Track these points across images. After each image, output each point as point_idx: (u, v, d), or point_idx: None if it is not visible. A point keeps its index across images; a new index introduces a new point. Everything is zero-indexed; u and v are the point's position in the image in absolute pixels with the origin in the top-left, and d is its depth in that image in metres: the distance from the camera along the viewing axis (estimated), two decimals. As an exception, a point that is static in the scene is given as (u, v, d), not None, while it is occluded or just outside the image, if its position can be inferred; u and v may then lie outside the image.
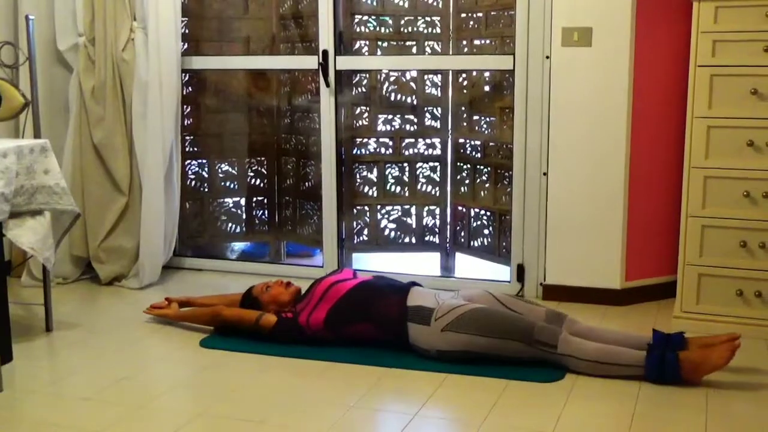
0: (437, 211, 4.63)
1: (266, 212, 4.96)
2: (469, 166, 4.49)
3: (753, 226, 3.44)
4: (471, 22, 4.36)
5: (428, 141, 4.60)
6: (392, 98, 4.57)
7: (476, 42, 4.37)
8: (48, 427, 2.66)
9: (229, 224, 4.93)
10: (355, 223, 4.61)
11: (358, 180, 4.60)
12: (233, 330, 3.46)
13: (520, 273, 4.06)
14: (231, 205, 4.94)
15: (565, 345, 3.04)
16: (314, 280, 3.53)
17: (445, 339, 3.13)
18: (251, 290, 3.61)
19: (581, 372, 3.03)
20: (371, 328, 3.28)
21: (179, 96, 4.34)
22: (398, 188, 4.63)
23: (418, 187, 4.62)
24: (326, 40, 4.22)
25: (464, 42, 4.43)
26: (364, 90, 4.56)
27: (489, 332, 3.09)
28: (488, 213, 4.41)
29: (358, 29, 4.49)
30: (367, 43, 4.52)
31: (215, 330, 3.53)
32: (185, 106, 4.68)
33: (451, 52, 4.48)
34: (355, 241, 4.62)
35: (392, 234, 4.65)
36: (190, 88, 4.75)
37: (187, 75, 4.66)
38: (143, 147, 4.22)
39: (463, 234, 4.57)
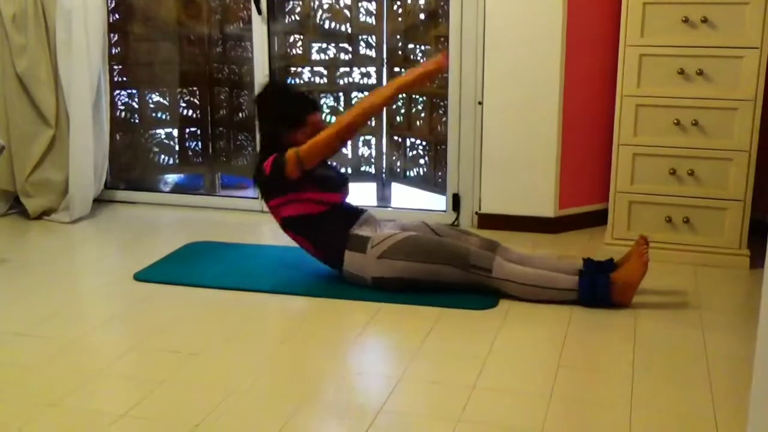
0: (373, 141, 4.60)
1: (200, 143, 4.88)
2: (404, 95, 4.46)
3: (682, 154, 3.51)
4: (406, -52, 4.29)
5: (363, 70, 4.55)
6: (326, 27, 4.49)
7: (411, -32, 4.31)
8: (-22, 364, 2.62)
9: (162, 156, 4.84)
10: (290, 153, 4.56)
11: (293, 110, 4.53)
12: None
13: (456, 202, 4.09)
14: (163, 136, 4.85)
15: (500, 269, 3.08)
16: (339, 173, 3.48)
17: (381, 266, 3.15)
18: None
19: (516, 296, 3.09)
20: (313, 250, 3.30)
21: (105, 23, 4.21)
22: (333, 118, 4.58)
23: (354, 117, 4.58)
24: (258, -35, 4.11)
25: (399, -32, 4.36)
26: (297, 18, 4.47)
27: (424, 258, 3.12)
28: (424, 143, 4.41)
29: (290, -46, 4.38)
30: (300, -31, 4.42)
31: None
32: (112, 34, 4.54)
33: (385, -21, 4.41)
34: (291, 172, 4.57)
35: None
36: (116, 15, 4.60)
37: (114, 1, 4.51)
38: (69, 77, 4.08)
39: (398, 164, 4.57)
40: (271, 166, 3.22)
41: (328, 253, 3.28)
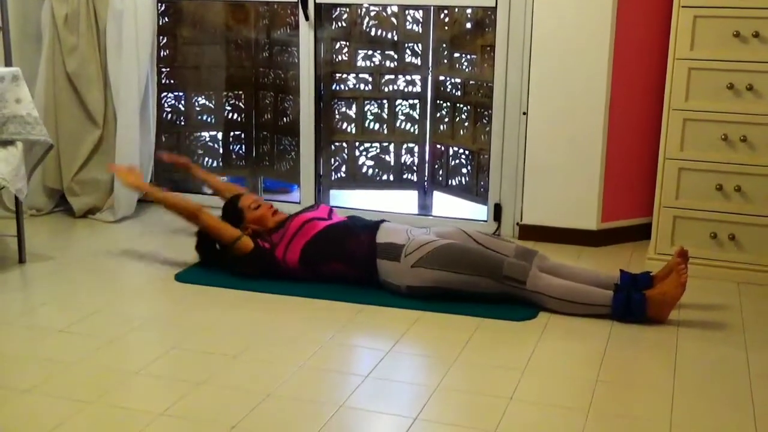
0: (415, 148, 4.60)
1: (243, 147, 4.92)
2: (448, 104, 4.46)
3: (729, 170, 3.45)
4: (454, -43, 4.28)
5: (408, 78, 4.55)
6: (372, 33, 4.51)
7: (459, -23, 4.30)
8: (21, 359, 2.66)
9: (206, 158, 4.88)
10: (332, 159, 4.58)
11: (337, 116, 4.56)
12: (209, 261, 3.47)
13: (497, 212, 4.06)
14: (208, 139, 4.89)
15: (534, 281, 3.06)
16: (290, 214, 3.51)
17: (415, 275, 3.14)
18: (239, 199, 3.54)
19: (549, 309, 3.06)
20: (343, 266, 3.28)
21: (155, 26, 4.26)
22: (377, 125, 4.59)
23: (397, 124, 4.59)
24: (306, -29, 4.14)
25: (446, -23, 4.35)
26: (344, 24, 4.48)
27: (458, 268, 3.10)
28: (467, 151, 4.39)
29: (338, -39, 4.40)
30: (348, -25, 4.44)
31: (200, 256, 3.55)
32: (161, 37, 4.60)
33: (433, -13, 4.41)
34: (333, 178, 4.60)
35: (370, 171, 4.63)
36: (166, 19, 4.65)
37: (164, 5, 4.57)
38: (118, 78, 4.14)
39: (441, 172, 4.56)
40: (250, 254, 3.36)
41: (360, 263, 3.26)
